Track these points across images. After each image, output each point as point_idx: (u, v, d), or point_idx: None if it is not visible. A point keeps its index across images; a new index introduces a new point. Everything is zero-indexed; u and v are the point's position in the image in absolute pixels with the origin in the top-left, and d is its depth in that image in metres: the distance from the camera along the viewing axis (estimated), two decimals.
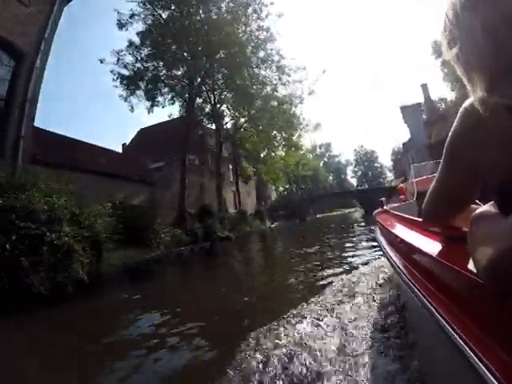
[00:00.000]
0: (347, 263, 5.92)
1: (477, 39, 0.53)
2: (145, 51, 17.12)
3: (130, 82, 17.32)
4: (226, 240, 14.23)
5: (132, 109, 18.59)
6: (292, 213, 36.27)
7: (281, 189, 77.78)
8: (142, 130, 32.87)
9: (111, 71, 17.43)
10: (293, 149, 25.02)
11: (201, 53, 16.78)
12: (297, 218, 35.48)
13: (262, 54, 20.14)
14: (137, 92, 17.77)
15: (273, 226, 27.78)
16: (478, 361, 0.47)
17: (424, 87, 31.58)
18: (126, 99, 17.93)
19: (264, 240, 15.96)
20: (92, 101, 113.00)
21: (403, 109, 28.58)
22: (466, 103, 0.62)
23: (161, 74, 18.02)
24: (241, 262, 9.69)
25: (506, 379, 0.41)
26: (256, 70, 20.57)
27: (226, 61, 18.21)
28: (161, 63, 17.52)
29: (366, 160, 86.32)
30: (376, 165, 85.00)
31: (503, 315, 0.48)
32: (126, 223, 8.32)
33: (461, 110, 0.63)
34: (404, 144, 40.51)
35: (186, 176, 16.03)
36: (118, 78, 17.25)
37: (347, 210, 62.77)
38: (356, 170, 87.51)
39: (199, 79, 18.79)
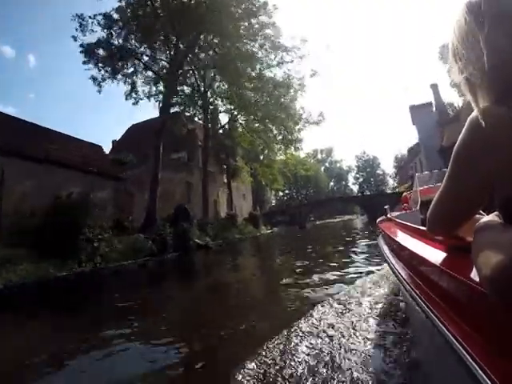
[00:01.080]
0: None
1: (482, 54, 0.59)
2: (120, 25, 14.82)
3: (93, 49, 14.89)
4: (204, 249, 11.77)
5: (99, 87, 16.07)
6: (291, 219, 33.82)
7: (280, 194, 76.25)
8: (133, 125, 30.63)
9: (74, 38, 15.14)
10: (292, 147, 22.65)
11: (188, 29, 14.48)
12: (296, 225, 32.94)
13: (255, 24, 17.53)
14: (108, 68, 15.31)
15: (269, 232, 25.29)
16: (481, 371, 0.46)
17: (434, 88, 29.26)
18: (94, 80, 15.54)
19: (252, 251, 13.56)
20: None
21: (412, 109, 26.23)
22: (472, 116, 0.63)
23: (138, 51, 15.72)
24: (202, 288, 6.34)
25: None
26: (249, 48, 18.03)
27: (216, 42, 15.95)
28: (139, 39, 15.21)
29: (368, 166, 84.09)
30: (378, 172, 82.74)
31: (507, 326, 0.47)
32: (56, 225, 5.95)
33: (468, 119, 0.64)
34: (411, 149, 38.31)
35: (158, 172, 13.64)
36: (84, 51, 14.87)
37: (347, 217, 60.75)
38: (358, 176, 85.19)
39: (186, 63, 16.45)
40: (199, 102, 21.06)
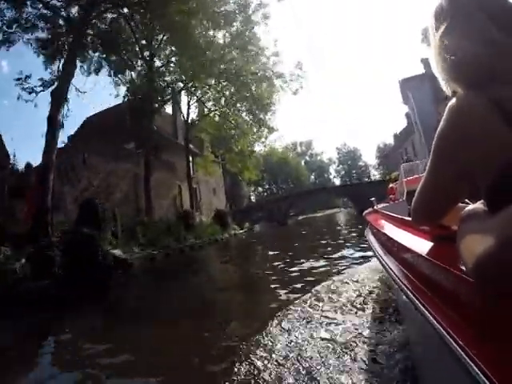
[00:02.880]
0: None
1: (462, 39, 0.60)
2: None
3: None
4: (122, 266, 7.43)
5: None
6: (270, 215, 29.81)
7: (260, 189, 72.60)
8: (87, 118, 25.78)
9: None
10: (265, 128, 18.58)
11: None
12: (276, 221, 28.89)
13: None
14: None
15: (242, 232, 21.14)
16: (468, 359, 0.47)
17: (425, 62, 25.96)
18: None
19: (200, 268, 9.26)
20: None
21: (405, 82, 22.74)
22: (451, 103, 0.62)
23: None
24: None
25: (497, 377, 0.41)
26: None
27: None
28: None
29: (350, 158, 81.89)
30: (360, 163, 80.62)
31: (492, 312, 0.48)
32: None
33: (446, 109, 0.63)
34: (398, 134, 35.28)
35: (52, 156, 9.06)
36: None
37: (330, 211, 58.01)
38: (339, 169, 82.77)
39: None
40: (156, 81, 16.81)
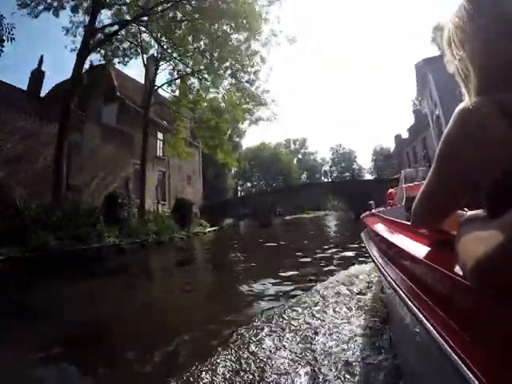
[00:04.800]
0: None
1: (475, 43, 0.61)
2: None
3: None
4: None
5: None
6: (254, 212, 25.61)
7: (249, 184, 68.60)
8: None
9: None
10: (247, 98, 14.32)
11: None
12: (262, 220, 24.59)
13: None
14: None
15: (209, 231, 16.68)
16: (463, 365, 0.46)
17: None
18: None
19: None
20: None
21: (425, 64, 18.66)
22: (460, 107, 0.63)
23: None
24: None
25: (491, 382, 0.41)
26: None
27: None
28: None
29: (344, 160, 78.61)
30: (354, 166, 77.25)
31: (489, 317, 0.48)
32: None
33: (454, 114, 0.64)
34: (407, 131, 31.45)
35: None
36: None
37: (320, 213, 54.70)
38: (332, 169, 79.33)
39: None
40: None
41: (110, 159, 14.18)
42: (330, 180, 68.79)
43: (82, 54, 10.44)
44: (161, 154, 20.21)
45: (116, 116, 17.31)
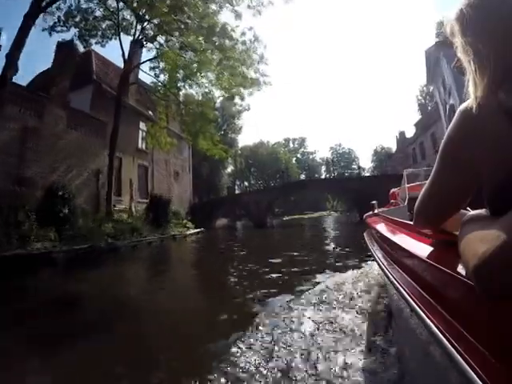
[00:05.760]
0: None
1: (484, 41, 0.58)
2: None
3: None
4: None
5: None
6: (248, 212, 23.61)
7: (246, 183, 66.62)
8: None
9: None
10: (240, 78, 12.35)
11: None
12: (256, 221, 22.52)
13: None
14: None
15: (189, 234, 14.39)
16: (465, 364, 0.46)
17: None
18: None
19: None
20: None
21: (437, 48, 16.71)
22: (462, 106, 0.62)
23: None
24: None
25: (493, 382, 0.41)
26: None
27: None
28: None
29: (343, 160, 76.88)
30: (353, 166, 75.43)
31: (493, 318, 0.47)
32: None
33: (457, 113, 0.63)
34: (414, 125, 29.47)
35: None
36: None
37: (318, 214, 53.51)
38: (331, 169, 77.45)
39: None
40: None
41: (76, 149, 12.18)
42: (331, 176, 66.66)
43: (29, 15, 8.47)
44: (143, 147, 18.23)
45: (90, 101, 15.35)
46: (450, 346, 0.51)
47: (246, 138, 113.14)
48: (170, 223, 12.46)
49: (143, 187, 17.72)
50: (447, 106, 16.63)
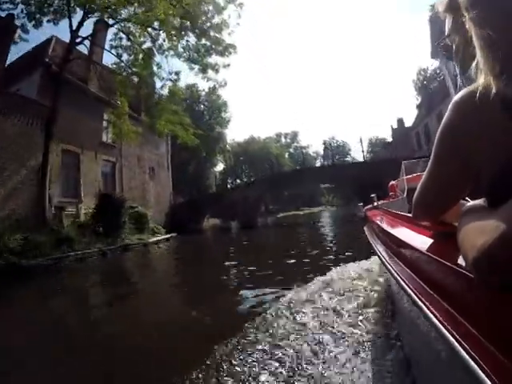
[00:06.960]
0: None
1: (495, 23, 0.53)
2: None
3: None
4: None
5: None
6: (233, 211, 21.19)
7: (238, 181, 64.10)
8: None
9: None
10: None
11: None
12: (243, 221, 20.15)
13: None
14: None
15: (160, 240, 11.91)
16: (467, 356, 0.46)
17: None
18: None
19: None
20: None
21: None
22: (458, 96, 0.61)
23: None
24: None
25: (497, 376, 0.41)
26: None
27: None
28: None
29: (337, 153, 74.96)
30: (347, 159, 73.65)
31: (492, 309, 0.48)
32: None
33: (452, 102, 0.62)
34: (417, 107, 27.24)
35: None
36: None
37: (315, 209, 51.93)
38: (325, 164, 75.54)
39: None
40: None
41: (8, 141, 9.67)
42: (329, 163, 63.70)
43: None
44: (109, 141, 15.69)
45: (38, 86, 12.83)
46: (450, 336, 0.51)
47: (237, 135, 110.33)
48: (125, 229, 9.96)
49: (110, 186, 15.23)
50: (458, 79, 14.46)
